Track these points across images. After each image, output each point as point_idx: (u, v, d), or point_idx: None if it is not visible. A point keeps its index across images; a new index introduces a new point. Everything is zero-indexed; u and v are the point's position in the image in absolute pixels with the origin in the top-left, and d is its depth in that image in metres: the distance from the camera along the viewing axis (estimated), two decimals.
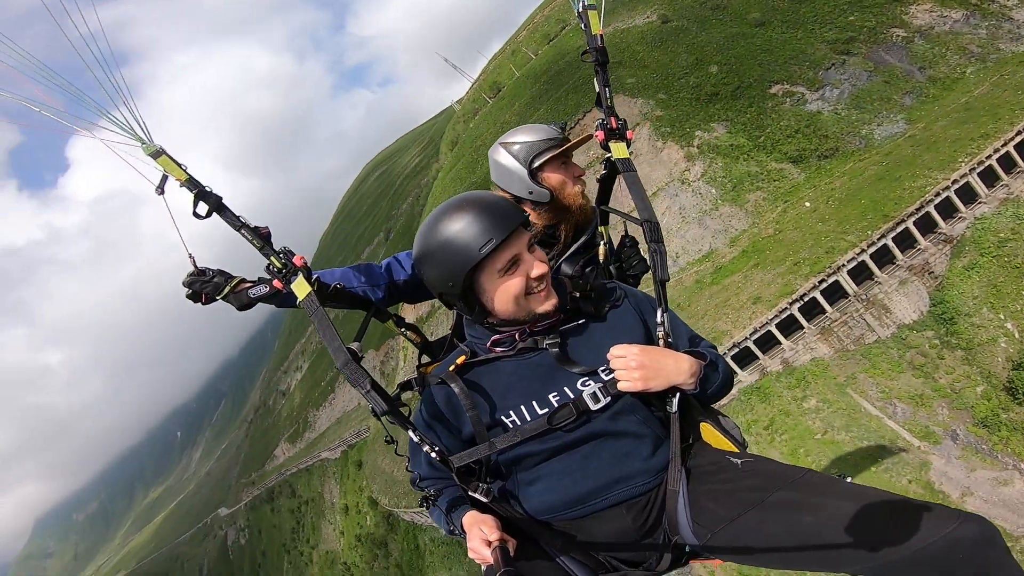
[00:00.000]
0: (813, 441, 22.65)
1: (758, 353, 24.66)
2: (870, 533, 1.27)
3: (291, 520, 73.96)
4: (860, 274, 24.22)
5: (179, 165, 1.73)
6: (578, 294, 1.80)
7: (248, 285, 1.95)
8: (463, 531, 1.66)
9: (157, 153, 1.72)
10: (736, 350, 24.53)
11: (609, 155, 2.07)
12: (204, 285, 1.89)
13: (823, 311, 24.26)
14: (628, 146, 2.04)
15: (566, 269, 2.09)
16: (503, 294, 1.64)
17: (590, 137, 2.26)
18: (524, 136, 2.24)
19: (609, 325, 1.77)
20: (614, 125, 2.04)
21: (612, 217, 2.37)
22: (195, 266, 1.90)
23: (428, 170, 79.56)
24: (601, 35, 2.06)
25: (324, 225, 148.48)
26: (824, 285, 24.17)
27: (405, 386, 1.81)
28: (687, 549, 1.65)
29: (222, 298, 1.92)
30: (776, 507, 1.44)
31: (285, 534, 75.23)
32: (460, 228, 1.58)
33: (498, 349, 1.73)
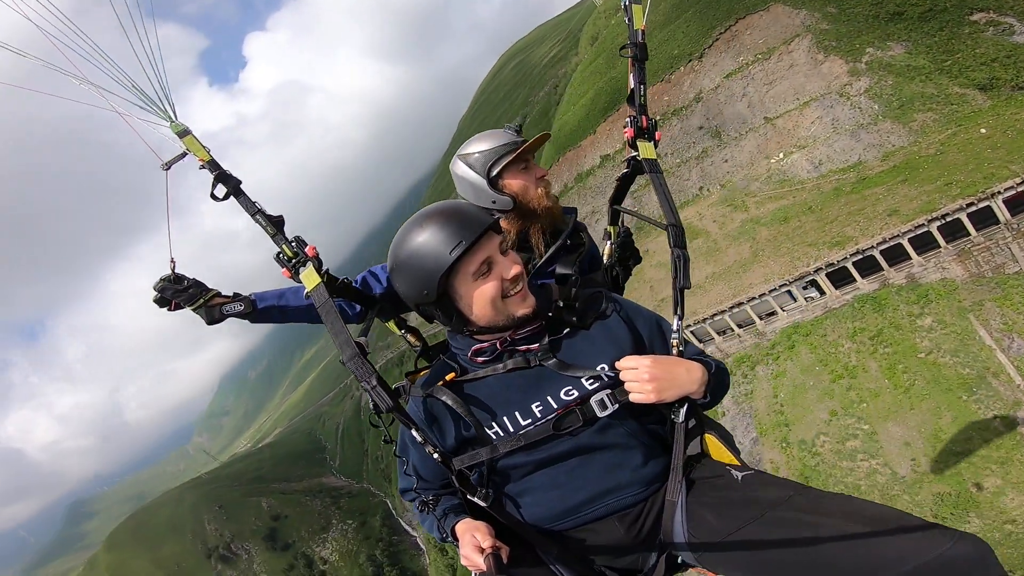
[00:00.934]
0: (915, 359, 23.75)
1: (883, 263, 25.57)
2: (868, 550, 1.29)
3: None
4: (1018, 205, 23.47)
5: (203, 146, 1.78)
6: (561, 303, 1.78)
7: (222, 300, 2.01)
8: (456, 538, 1.70)
9: (184, 132, 1.77)
10: (859, 257, 25.69)
11: (635, 154, 2.02)
12: (178, 294, 1.93)
13: (967, 234, 24.23)
14: (655, 146, 2.01)
15: (561, 270, 2.05)
16: (479, 298, 1.62)
17: (547, 137, 2.28)
18: (479, 145, 2.22)
19: (595, 335, 1.75)
20: (644, 124, 2.01)
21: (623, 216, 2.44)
22: (173, 271, 1.91)
23: (566, 61, 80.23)
24: (643, 31, 2.03)
25: (463, 109, 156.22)
26: (973, 209, 23.85)
27: (395, 393, 1.82)
28: (680, 561, 1.69)
29: (193, 309, 1.96)
30: (776, 522, 1.44)
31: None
32: (430, 234, 1.58)
33: (480, 359, 1.72)
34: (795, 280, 27.49)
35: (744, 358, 30.06)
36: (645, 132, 2.02)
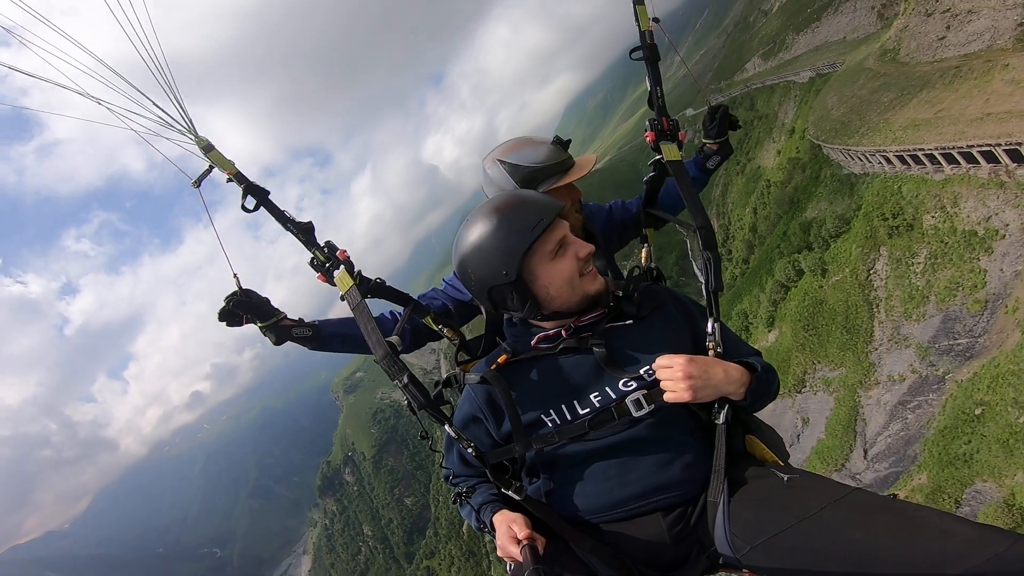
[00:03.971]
0: None
1: None
2: (920, 552, 1.27)
3: (740, 132, 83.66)
4: None
5: (227, 159, 1.86)
6: (620, 293, 1.83)
7: (290, 323, 2.09)
8: (493, 528, 1.73)
9: (208, 147, 1.84)
10: None
11: (659, 156, 2.05)
12: (251, 308, 1.98)
13: None
14: (679, 148, 2.04)
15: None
16: (558, 277, 1.69)
17: (595, 160, 2.29)
18: (524, 156, 2.17)
19: (654, 328, 1.81)
20: (666, 126, 2.02)
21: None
22: (239, 286, 1.95)
23: None
24: (651, 31, 2.03)
25: None
26: None
27: (446, 383, 1.95)
28: (720, 561, 1.70)
29: (265, 327, 2.03)
30: (823, 523, 1.44)
31: (732, 143, 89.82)
32: (508, 216, 1.66)
33: (543, 346, 1.78)
34: None
35: None
36: (667, 133, 2.04)
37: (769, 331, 46.31)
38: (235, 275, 1.92)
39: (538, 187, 2.16)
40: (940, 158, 34.03)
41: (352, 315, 1.99)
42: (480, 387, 1.79)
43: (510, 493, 1.72)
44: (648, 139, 2.05)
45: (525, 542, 1.55)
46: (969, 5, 38.53)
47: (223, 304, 1.96)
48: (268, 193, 1.89)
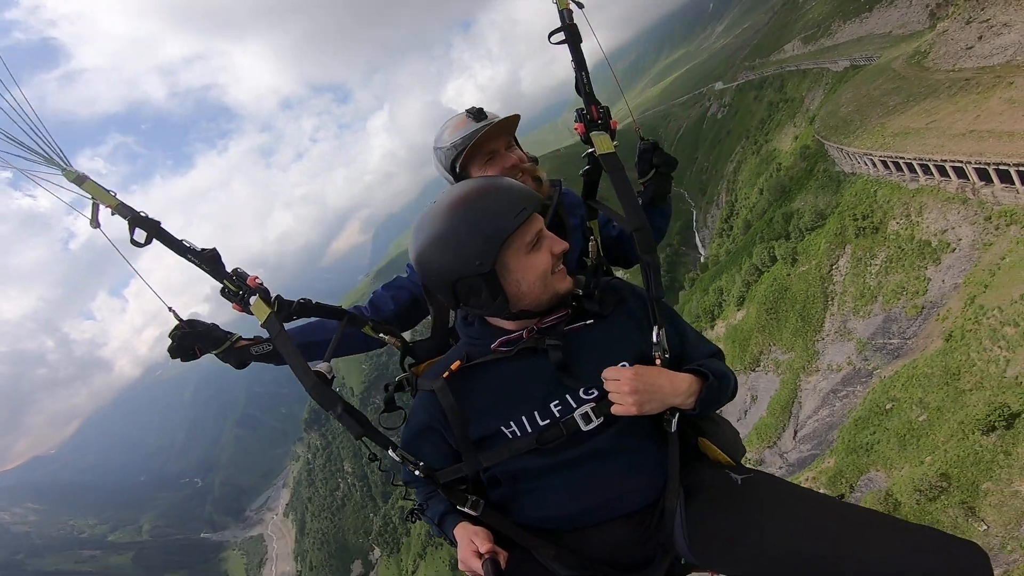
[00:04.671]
0: None
1: None
2: (868, 554, 1.39)
3: (764, 112, 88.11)
4: None
5: (106, 190, 1.75)
6: (580, 292, 1.79)
7: (247, 342, 1.99)
8: (454, 540, 1.76)
9: (81, 179, 1.71)
10: None
11: (591, 150, 1.99)
12: (199, 338, 1.90)
13: None
14: (612, 137, 1.94)
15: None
16: (531, 271, 1.63)
17: (510, 121, 2.22)
18: (442, 138, 2.21)
19: (616, 326, 1.78)
20: (595, 115, 1.94)
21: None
22: (178, 318, 1.88)
23: None
24: (569, 10, 1.93)
25: None
26: None
27: (398, 387, 1.86)
28: (682, 562, 1.76)
29: (220, 353, 1.93)
30: (776, 523, 1.54)
31: (754, 121, 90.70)
32: (487, 202, 1.58)
33: (503, 349, 1.73)
34: None
35: None
36: (598, 123, 1.94)
37: (738, 310, 49.82)
38: (171, 308, 1.85)
39: (459, 163, 2.17)
40: (917, 168, 36.38)
41: (311, 319, 2.09)
42: (431, 396, 1.74)
43: (466, 509, 1.73)
44: (578, 131, 1.98)
45: (487, 556, 1.59)
46: (1006, 18, 39.71)
47: (170, 341, 1.88)
48: (159, 223, 1.77)
